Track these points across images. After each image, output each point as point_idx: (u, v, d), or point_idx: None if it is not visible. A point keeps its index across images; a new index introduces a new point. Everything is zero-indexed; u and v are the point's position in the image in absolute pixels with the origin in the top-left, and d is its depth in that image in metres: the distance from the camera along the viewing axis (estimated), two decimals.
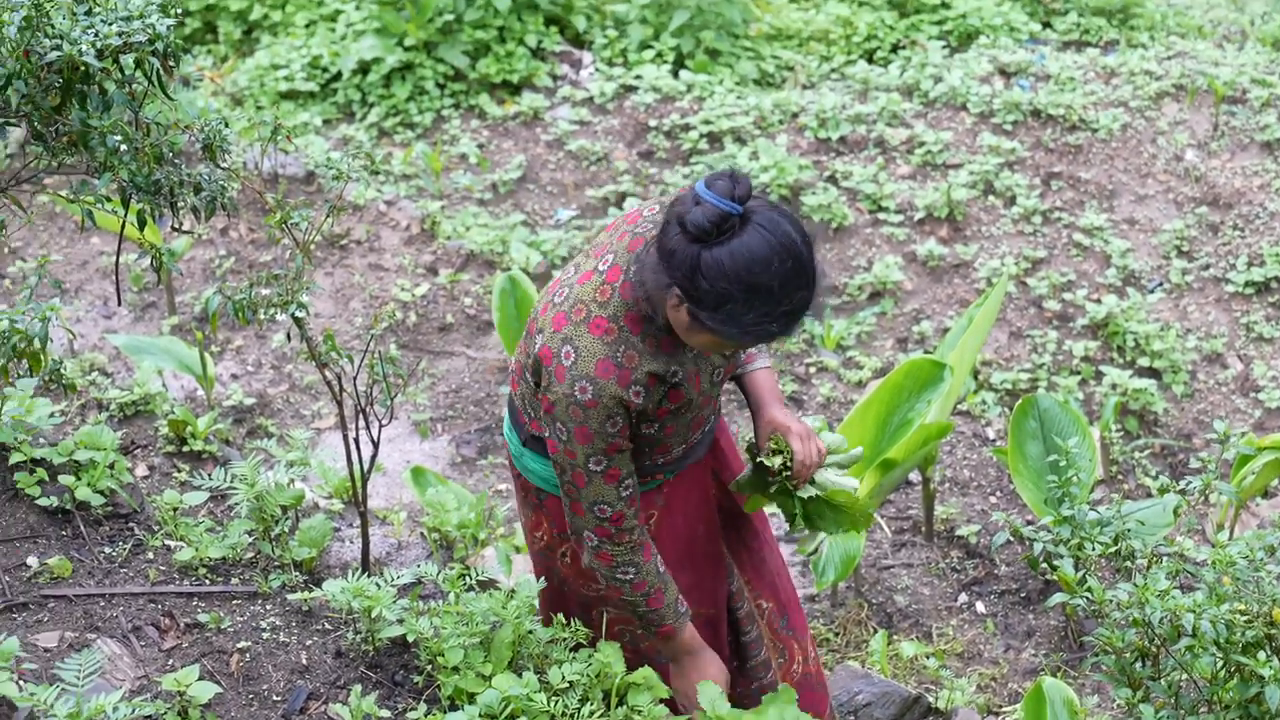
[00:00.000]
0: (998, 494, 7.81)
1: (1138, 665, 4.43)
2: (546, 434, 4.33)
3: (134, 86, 4.49)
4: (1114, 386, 8.36)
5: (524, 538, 4.98)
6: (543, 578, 4.79)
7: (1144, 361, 8.57)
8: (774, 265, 3.95)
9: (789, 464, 4.61)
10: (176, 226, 4.92)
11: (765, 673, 4.96)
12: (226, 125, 4.86)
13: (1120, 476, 7.88)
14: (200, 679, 4.59)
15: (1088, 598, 4.41)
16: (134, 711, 4.24)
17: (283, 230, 5.04)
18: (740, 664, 4.88)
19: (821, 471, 4.72)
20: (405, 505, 7.06)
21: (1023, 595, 7.15)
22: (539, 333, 4.27)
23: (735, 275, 3.94)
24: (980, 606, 7.11)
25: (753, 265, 3.94)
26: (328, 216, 5.20)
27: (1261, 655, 4.04)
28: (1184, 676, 4.35)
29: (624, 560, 4.47)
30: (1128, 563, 4.75)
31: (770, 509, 5.12)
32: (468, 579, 4.98)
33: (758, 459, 4.66)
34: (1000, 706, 6.34)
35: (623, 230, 4.31)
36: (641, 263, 4.14)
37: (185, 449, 6.51)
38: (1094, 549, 4.78)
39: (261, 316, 5.03)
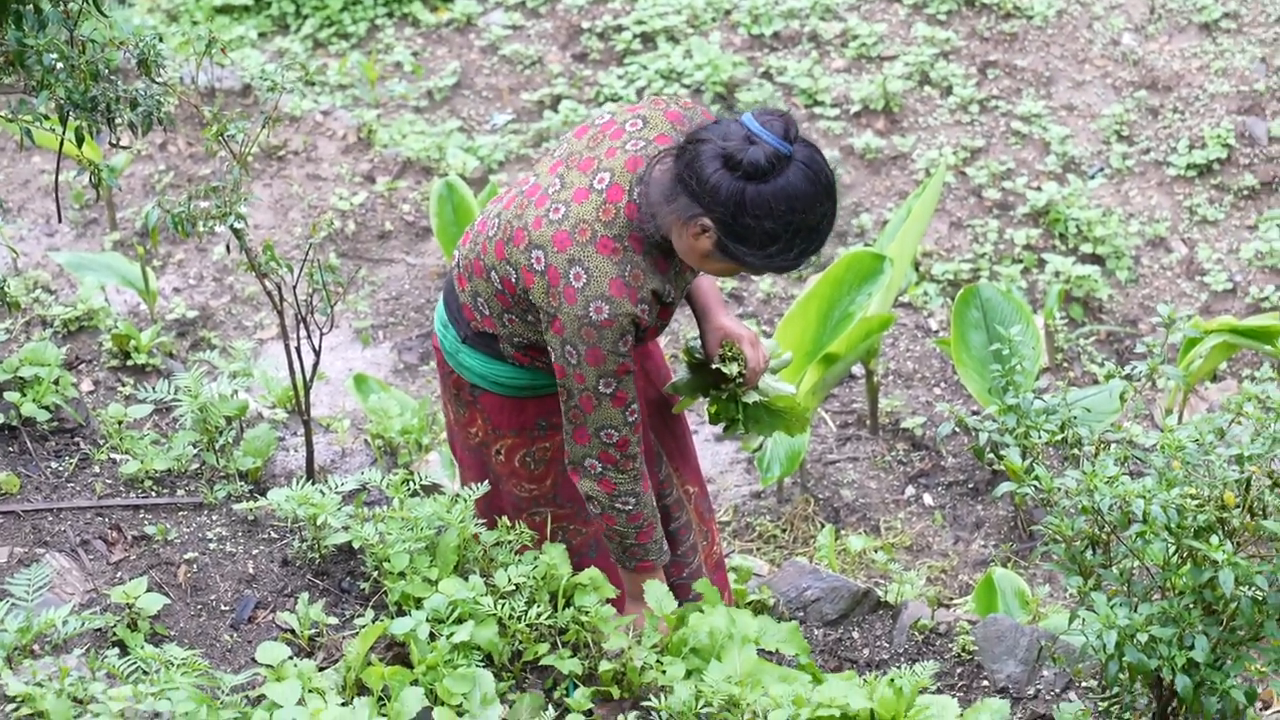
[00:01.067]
0: (942, 385, 7.82)
1: (1088, 553, 4.42)
2: (553, 358, 4.31)
3: (69, 5, 4.45)
4: (1057, 274, 8.36)
5: (450, 435, 4.95)
6: (485, 481, 4.77)
7: (1087, 248, 8.57)
8: (818, 206, 4.04)
9: (744, 371, 4.62)
10: (114, 142, 4.87)
11: (694, 557, 4.98)
12: (161, 40, 4.80)
13: (1066, 364, 7.89)
14: (149, 591, 4.59)
15: (1035, 486, 4.39)
16: (83, 624, 4.23)
17: (219, 142, 5.00)
18: (670, 550, 4.88)
19: (764, 377, 4.73)
20: (349, 413, 7.03)
21: (970, 486, 7.16)
22: (534, 247, 4.23)
23: (782, 214, 4.01)
24: (928, 499, 7.13)
25: (797, 204, 4.01)
26: (263, 128, 5.14)
27: (1214, 539, 4.03)
28: (1135, 563, 4.34)
29: (626, 489, 4.48)
30: (1075, 450, 4.74)
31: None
32: (411, 484, 4.95)
33: (713, 365, 4.67)
34: (951, 599, 6.36)
35: (609, 145, 4.27)
36: (650, 185, 4.15)
37: (129, 363, 6.46)
38: (1040, 437, 4.76)
39: (200, 229, 5.00)
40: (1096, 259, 8.58)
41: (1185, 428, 4.34)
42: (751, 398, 4.73)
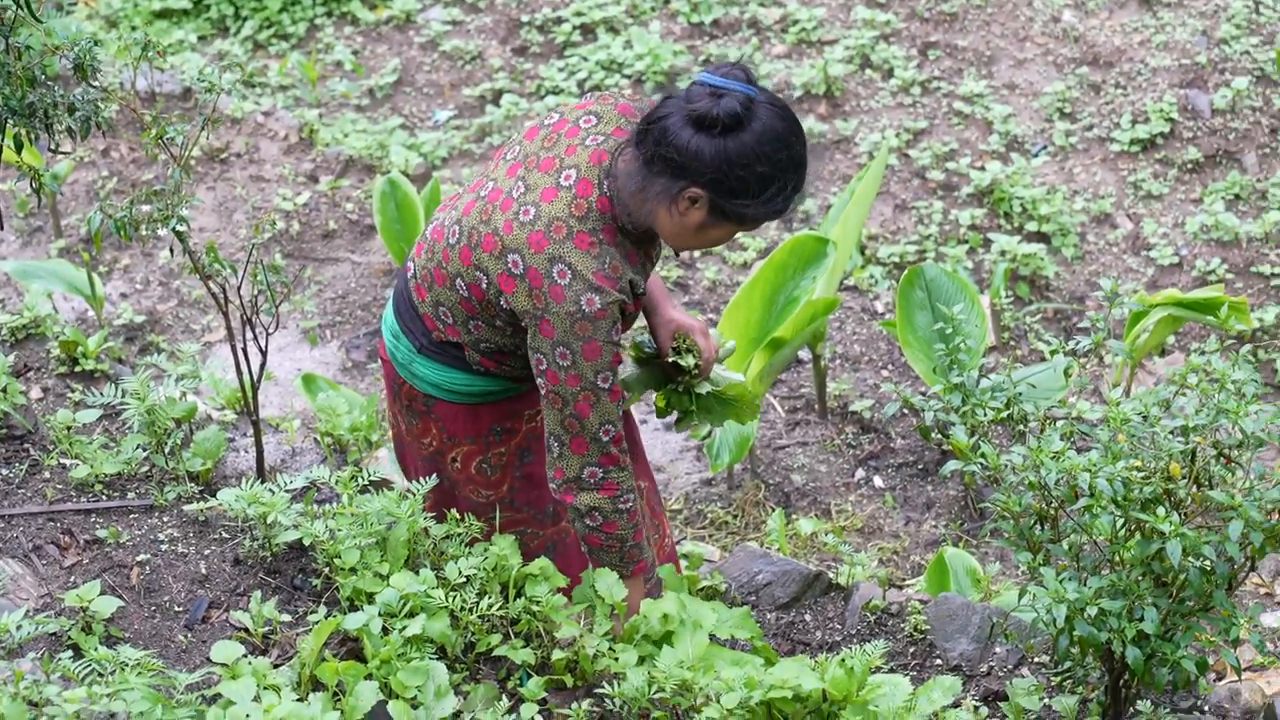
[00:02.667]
0: (889, 367, 7.84)
1: (1037, 529, 4.44)
2: (543, 365, 4.28)
3: (4, 13, 4.44)
4: (1003, 253, 8.39)
5: (399, 446, 4.96)
6: (434, 475, 4.78)
7: (1032, 226, 8.59)
8: (795, 139, 4.13)
9: (699, 363, 4.62)
10: (54, 148, 4.87)
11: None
12: (97, 44, 4.80)
13: (1013, 342, 7.92)
14: (102, 594, 4.57)
15: (982, 464, 4.41)
16: (37, 628, 4.22)
17: (159, 146, 4.98)
18: None
19: (715, 367, 4.75)
20: (299, 413, 7.02)
21: (920, 467, 7.19)
22: (508, 251, 4.22)
23: (769, 155, 4.06)
24: (878, 481, 7.15)
25: (781, 141, 4.08)
26: (202, 129, 5.12)
27: (1160, 511, 4.06)
28: (1084, 538, 4.37)
29: (627, 485, 4.47)
30: (1021, 427, 4.76)
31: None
32: (360, 480, 4.96)
33: (669, 359, 4.68)
34: (903, 580, 6.38)
35: (567, 144, 4.27)
36: (618, 179, 4.16)
37: (78, 369, 6.46)
38: (986, 415, 4.78)
39: (144, 232, 5.00)
40: (1042, 237, 8.61)
41: (1130, 401, 4.36)
42: (704, 388, 4.74)
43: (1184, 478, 4.19)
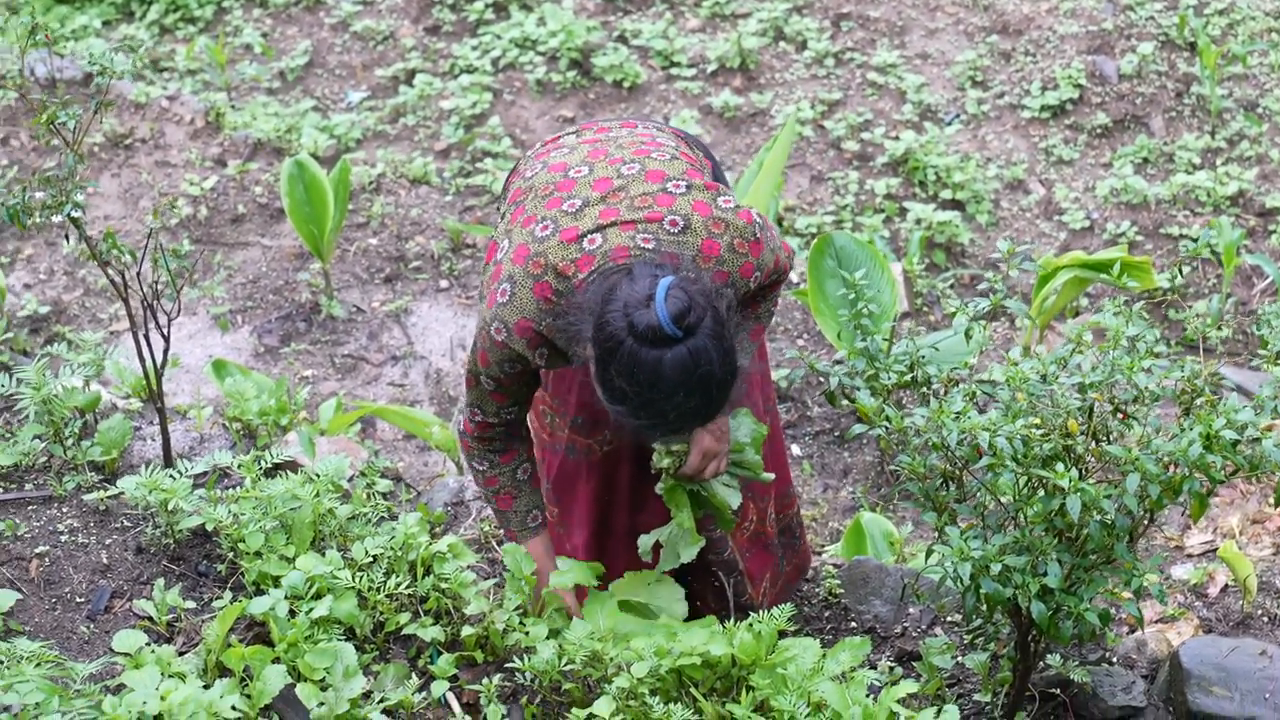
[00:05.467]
0: (805, 336, 7.84)
1: (942, 490, 4.45)
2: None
3: None
4: (919, 221, 8.39)
5: None
6: None
7: (946, 194, 8.60)
8: (675, 397, 3.93)
9: (674, 470, 4.52)
10: None
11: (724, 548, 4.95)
12: None
13: (925, 309, 7.93)
14: (0, 587, 4.53)
15: (886, 427, 4.41)
16: None
17: (50, 131, 4.92)
18: None
19: (714, 482, 4.64)
20: (211, 400, 6.97)
21: (836, 435, 7.18)
22: (505, 235, 4.23)
23: (637, 383, 3.91)
24: (795, 449, 7.14)
25: (657, 384, 3.91)
26: (95, 112, 5.06)
27: (1060, 467, 4.06)
28: (988, 496, 4.37)
29: (480, 454, 4.52)
30: (924, 389, 4.76)
31: None
32: (262, 463, 4.93)
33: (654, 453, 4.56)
34: (823, 546, 6.37)
35: (633, 216, 4.15)
36: (587, 290, 4.04)
37: None
38: (889, 378, 4.79)
39: (38, 219, 4.93)
40: (956, 204, 8.62)
41: (1028, 360, 4.37)
42: (691, 485, 4.65)
43: (1082, 434, 4.19)
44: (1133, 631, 5.06)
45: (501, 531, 4.74)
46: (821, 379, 7.20)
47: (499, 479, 4.54)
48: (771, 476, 4.74)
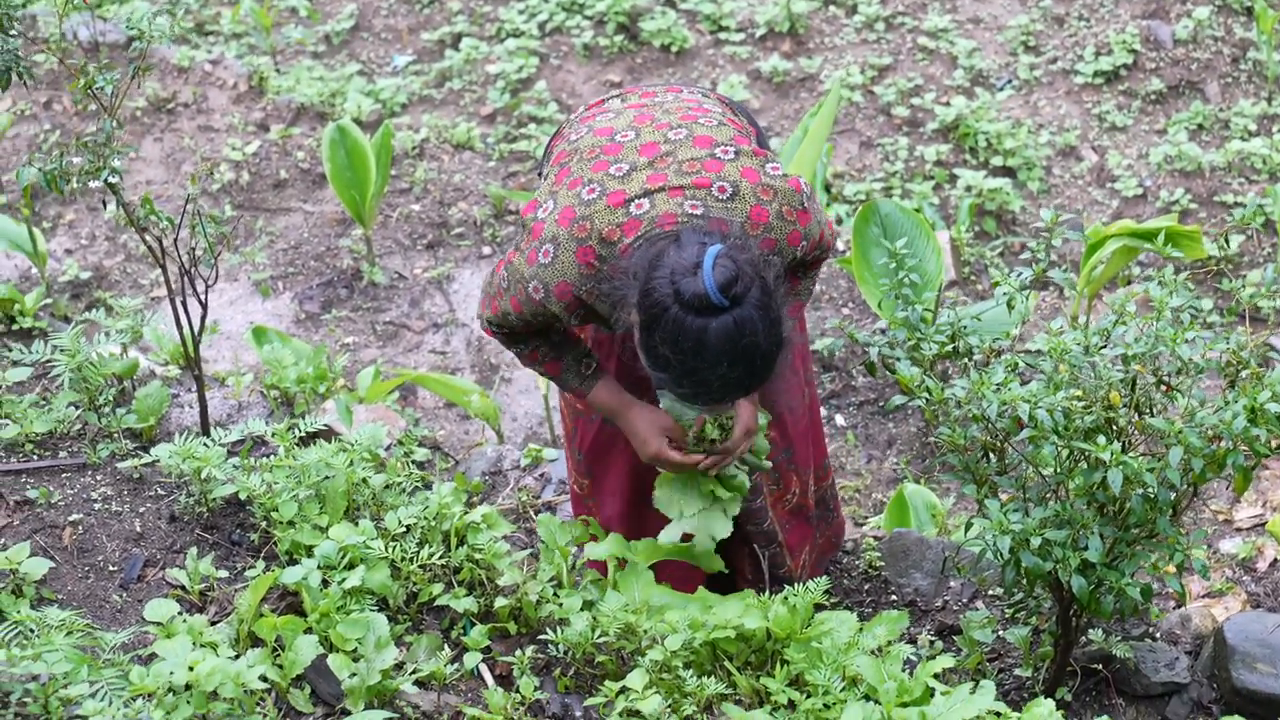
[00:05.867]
0: (850, 305, 7.77)
1: (983, 462, 4.40)
2: (512, 246, 4.26)
3: None
4: (968, 188, 8.31)
5: None
6: None
7: (997, 161, 8.51)
8: (719, 366, 3.91)
9: (718, 443, 4.47)
10: None
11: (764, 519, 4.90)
12: None
13: (973, 277, 7.85)
14: (32, 555, 4.53)
15: (926, 398, 4.36)
16: None
17: (88, 96, 4.89)
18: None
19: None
20: (252, 366, 6.95)
21: (880, 405, 7.12)
22: (552, 194, 4.19)
23: (681, 351, 3.90)
24: (840, 420, 7.09)
25: (703, 354, 3.90)
26: (132, 77, 5.03)
27: (1101, 440, 4.01)
28: (1030, 469, 4.32)
29: (510, 341, 4.46)
30: (966, 360, 4.71)
31: None
32: (297, 431, 4.89)
33: (704, 423, 4.49)
34: (865, 517, 6.33)
35: (679, 180, 4.13)
36: (638, 256, 4.01)
37: (15, 328, 6.39)
38: (931, 349, 4.73)
39: (75, 185, 4.91)
40: (1008, 171, 8.54)
41: (1071, 331, 4.31)
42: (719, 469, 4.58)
43: (1125, 406, 4.13)
44: (1179, 607, 5.01)
45: (568, 394, 4.68)
46: (864, 349, 7.15)
47: (539, 350, 4.45)
48: (769, 465, 4.72)
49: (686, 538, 4.57)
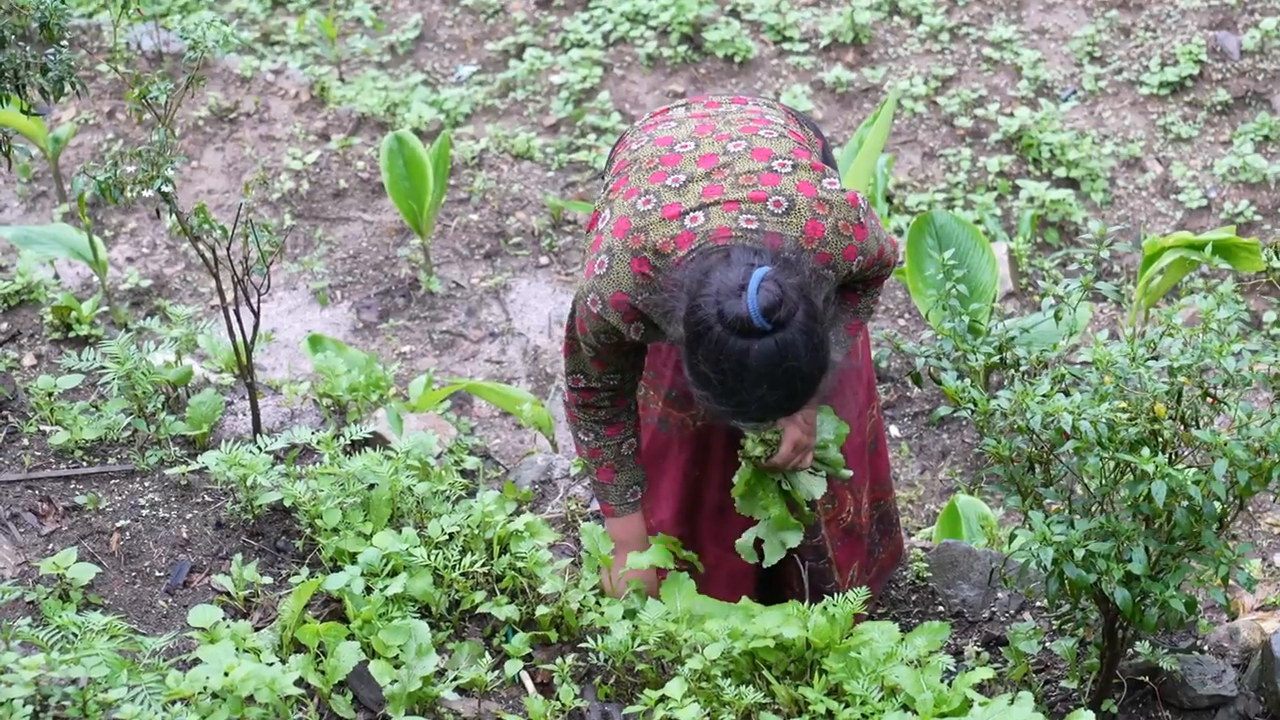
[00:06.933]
0: (906, 316, 7.75)
1: (1029, 474, 4.38)
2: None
3: None
4: (1031, 199, 8.28)
5: None
6: None
7: (1061, 172, 8.48)
8: (758, 388, 3.91)
9: (766, 458, 4.48)
10: (25, 109, 4.83)
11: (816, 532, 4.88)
12: (63, 2, 4.75)
13: (1031, 289, 7.81)
14: (80, 560, 4.56)
15: (971, 409, 4.34)
16: (3, 597, 4.19)
17: (143, 105, 4.92)
18: None
19: (800, 475, 4.60)
20: (308, 375, 6.98)
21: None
22: (608, 203, 4.23)
23: (722, 370, 3.90)
24: (894, 430, 7.07)
25: (742, 375, 3.90)
26: (186, 87, 5.05)
27: (1146, 452, 3.98)
28: (1075, 480, 4.30)
29: (585, 424, 4.51)
30: (1013, 371, 4.69)
31: None
32: (344, 439, 4.91)
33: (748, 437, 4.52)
34: (918, 528, 6.31)
35: (738, 194, 4.12)
36: (690, 271, 4.00)
37: (71, 335, 6.43)
38: (978, 360, 4.72)
39: (129, 194, 4.94)
40: (1071, 182, 8.50)
41: (1118, 343, 4.29)
42: (776, 475, 4.60)
43: (1170, 418, 4.10)
44: (1233, 619, 4.97)
45: (597, 504, 4.71)
46: (910, 360, 7.13)
47: (603, 451, 4.53)
48: (850, 473, 4.71)
49: (758, 544, 4.58)
